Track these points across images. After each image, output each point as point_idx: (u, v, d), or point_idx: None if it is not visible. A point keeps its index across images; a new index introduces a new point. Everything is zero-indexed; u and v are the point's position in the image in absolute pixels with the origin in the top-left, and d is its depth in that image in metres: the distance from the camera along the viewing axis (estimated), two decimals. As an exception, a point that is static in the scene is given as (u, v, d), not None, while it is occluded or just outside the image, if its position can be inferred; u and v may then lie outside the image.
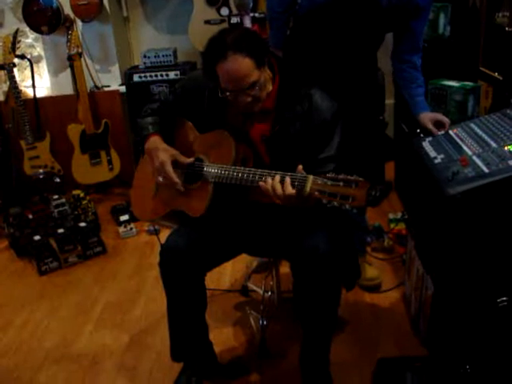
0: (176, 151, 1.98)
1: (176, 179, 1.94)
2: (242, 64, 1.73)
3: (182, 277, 1.94)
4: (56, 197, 3.57)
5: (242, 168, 1.81)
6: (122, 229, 3.59)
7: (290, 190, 1.66)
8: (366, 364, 2.23)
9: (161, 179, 2.00)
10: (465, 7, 3.37)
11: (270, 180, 1.71)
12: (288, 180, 1.67)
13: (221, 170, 1.86)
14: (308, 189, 1.63)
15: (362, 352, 2.32)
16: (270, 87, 1.87)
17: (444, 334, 2.00)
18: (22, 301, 2.93)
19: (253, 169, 1.79)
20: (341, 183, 1.58)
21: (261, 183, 1.73)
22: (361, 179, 1.57)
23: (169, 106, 2.10)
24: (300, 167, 1.68)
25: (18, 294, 3.02)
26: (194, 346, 2.12)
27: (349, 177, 1.57)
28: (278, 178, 1.69)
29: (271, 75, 1.88)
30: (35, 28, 4.03)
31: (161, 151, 1.98)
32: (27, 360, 2.44)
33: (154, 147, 2.00)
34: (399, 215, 3.29)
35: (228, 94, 1.81)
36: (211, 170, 1.90)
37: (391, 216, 3.32)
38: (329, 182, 1.59)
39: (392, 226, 3.22)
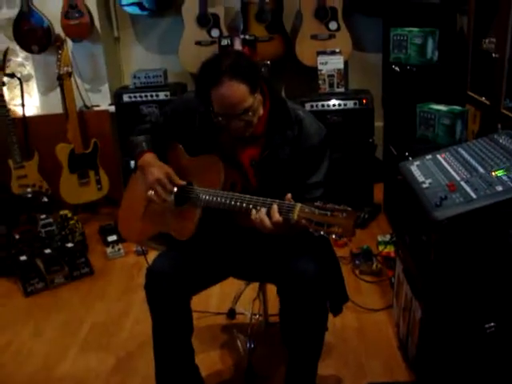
0: (170, 169, 1.97)
1: (167, 197, 1.93)
2: (237, 90, 1.73)
3: (168, 300, 1.91)
4: (43, 216, 3.53)
5: (231, 193, 1.81)
6: (109, 249, 3.55)
7: (277, 217, 1.66)
8: (354, 389, 2.22)
9: (152, 195, 1.99)
10: (452, 33, 3.42)
11: (255, 212, 1.71)
12: (275, 207, 1.67)
13: (209, 196, 1.86)
14: (295, 217, 1.63)
15: (349, 376, 2.30)
16: (261, 111, 1.87)
17: (432, 358, 1.99)
18: (5, 322, 2.88)
19: (241, 195, 1.79)
20: (328, 212, 1.58)
21: (252, 215, 1.73)
22: (349, 209, 1.57)
23: (159, 127, 2.10)
24: (289, 195, 1.69)
25: (2, 315, 2.97)
26: (180, 370, 2.08)
27: (336, 206, 1.58)
28: (264, 210, 1.70)
29: (262, 100, 1.88)
30: (26, 47, 4.04)
31: (156, 167, 1.97)
32: (8, 384, 2.40)
33: (148, 163, 2.00)
34: (388, 237, 3.29)
35: (221, 118, 1.81)
36: (200, 194, 1.89)
37: (380, 238, 3.30)
38: (316, 211, 1.59)
39: (381, 248, 3.21)
